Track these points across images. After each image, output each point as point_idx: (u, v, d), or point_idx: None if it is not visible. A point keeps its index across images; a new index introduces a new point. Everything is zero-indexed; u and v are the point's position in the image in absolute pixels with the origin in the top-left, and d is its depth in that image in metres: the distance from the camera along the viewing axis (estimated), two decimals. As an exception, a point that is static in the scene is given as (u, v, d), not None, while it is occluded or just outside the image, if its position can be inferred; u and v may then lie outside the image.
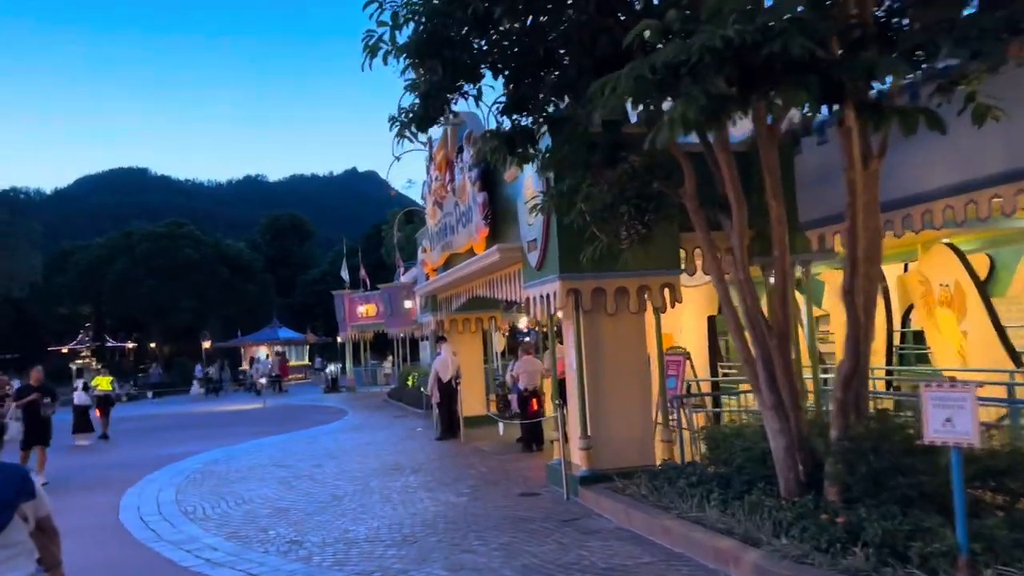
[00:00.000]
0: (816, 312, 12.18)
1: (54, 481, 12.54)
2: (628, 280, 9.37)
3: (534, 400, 12.92)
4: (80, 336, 64.73)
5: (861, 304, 6.43)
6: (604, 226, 8.34)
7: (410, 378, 26.43)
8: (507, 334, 27.84)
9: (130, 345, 68.78)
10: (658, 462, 9.41)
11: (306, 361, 53.92)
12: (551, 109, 7.70)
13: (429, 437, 15.87)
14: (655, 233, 8.55)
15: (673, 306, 9.71)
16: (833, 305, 15.88)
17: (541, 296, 9.81)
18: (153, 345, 64.71)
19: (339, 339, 46.58)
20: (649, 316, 9.72)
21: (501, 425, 12.81)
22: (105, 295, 57.14)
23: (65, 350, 62.20)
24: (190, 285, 56.00)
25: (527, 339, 18.65)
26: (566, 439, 9.90)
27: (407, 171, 71.68)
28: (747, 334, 7.16)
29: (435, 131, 15.19)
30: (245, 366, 49.20)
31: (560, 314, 9.98)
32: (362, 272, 36.10)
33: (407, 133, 7.22)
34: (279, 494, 10.74)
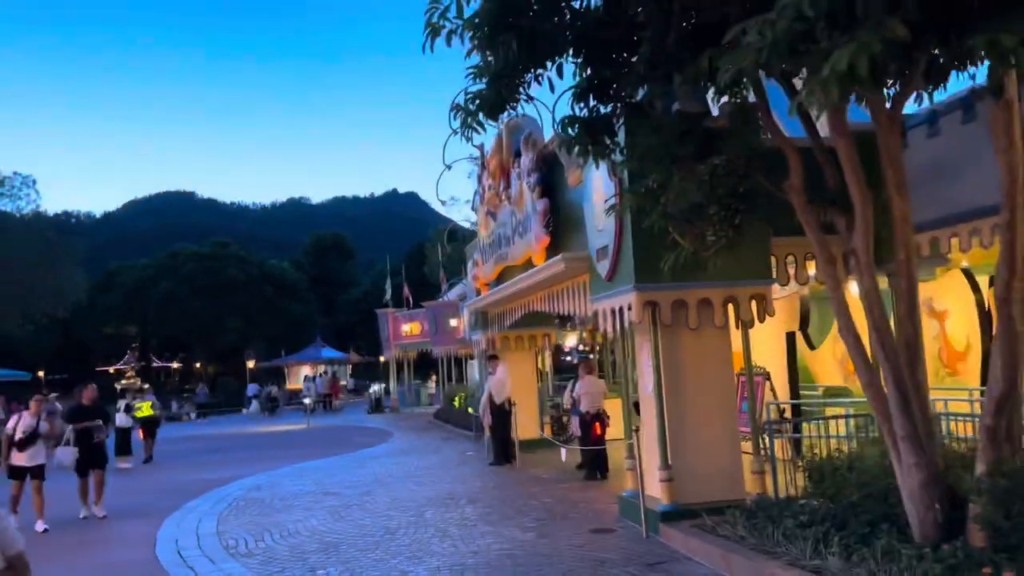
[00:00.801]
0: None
1: (60, 495, 11.86)
2: (713, 291, 8.39)
3: (597, 424, 11.94)
4: (127, 356, 65.21)
5: (1019, 314, 5.38)
6: (689, 229, 7.41)
7: (456, 399, 25.56)
8: (554, 353, 26.89)
9: (175, 365, 69.14)
10: (748, 496, 8.40)
11: (343, 382, 53.39)
12: (631, 96, 6.78)
13: (482, 462, 14.95)
14: (744, 237, 7.64)
15: (763, 319, 8.70)
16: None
17: (612, 310, 8.87)
18: (198, 365, 64.89)
19: (382, 359, 46.10)
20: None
21: (564, 451, 11.86)
22: (150, 315, 57.36)
23: (112, 371, 62.65)
24: (234, 305, 55.97)
25: (590, 356, 17.69)
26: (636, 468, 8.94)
27: (449, 188, 71.25)
28: (871, 352, 6.16)
29: (487, 137, 14.44)
30: (295, 385, 48.78)
31: (632, 329, 9.04)
32: (405, 290, 35.43)
33: (473, 123, 6.33)
34: (327, 526, 9.88)
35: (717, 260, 7.59)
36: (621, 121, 7.08)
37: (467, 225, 41.96)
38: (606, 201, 8.73)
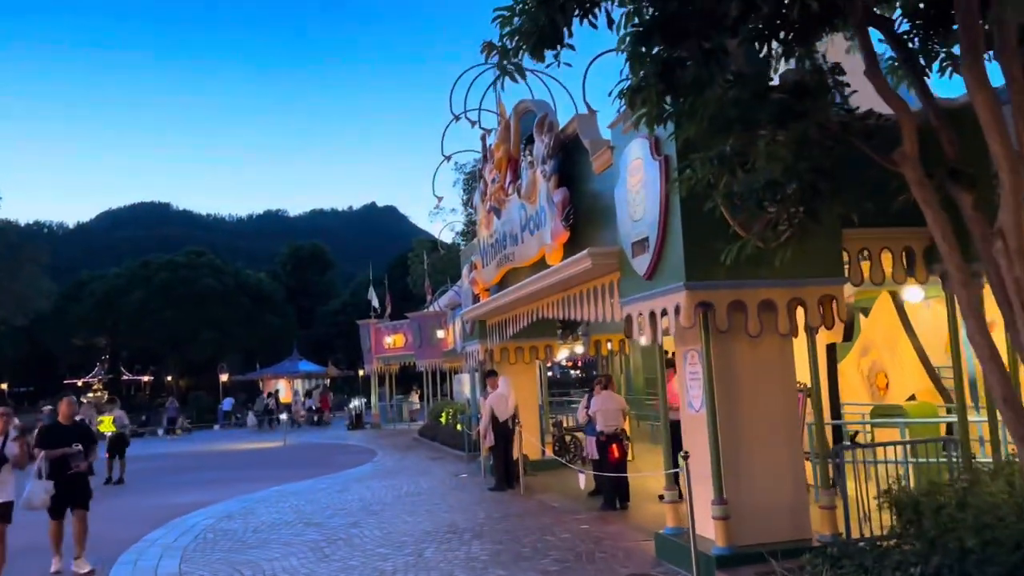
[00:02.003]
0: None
1: (33, 542, 9.54)
2: (777, 291, 7.05)
3: (615, 446, 10.53)
4: (96, 369, 62.89)
5: None
6: (759, 213, 6.09)
7: (444, 415, 24.05)
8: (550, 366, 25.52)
9: (146, 378, 66.86)
10: (816, 536, 7.06)
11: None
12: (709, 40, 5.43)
13: (478, 485, 13.50)
14: (820, 225, 6.35)
15: (831, 326, 7.38)
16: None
17: (652, 313, 7.51)
18: (169, 378, 62.69)
19: (361, 372, 44.40)
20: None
21: (582, 478, 10.46)
22: (121, 326, 55.23)
23: (80, 383, 60.31)
24: (209, 316, 54.00)
25: (589, 371, 16.27)
26: (670, 500, 7.57)
27: (438, 189, 69.04)
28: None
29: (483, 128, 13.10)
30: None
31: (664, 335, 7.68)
32: (387, 300, 33.92)
33: (510, 67, 4.96)
34: (310, 567, 8.39)
35: (784, 254, 6.29)
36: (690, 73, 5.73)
37: (451, 235, 40.59)
38: (644, 185, 7.41)
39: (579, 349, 16.36)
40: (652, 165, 7.28)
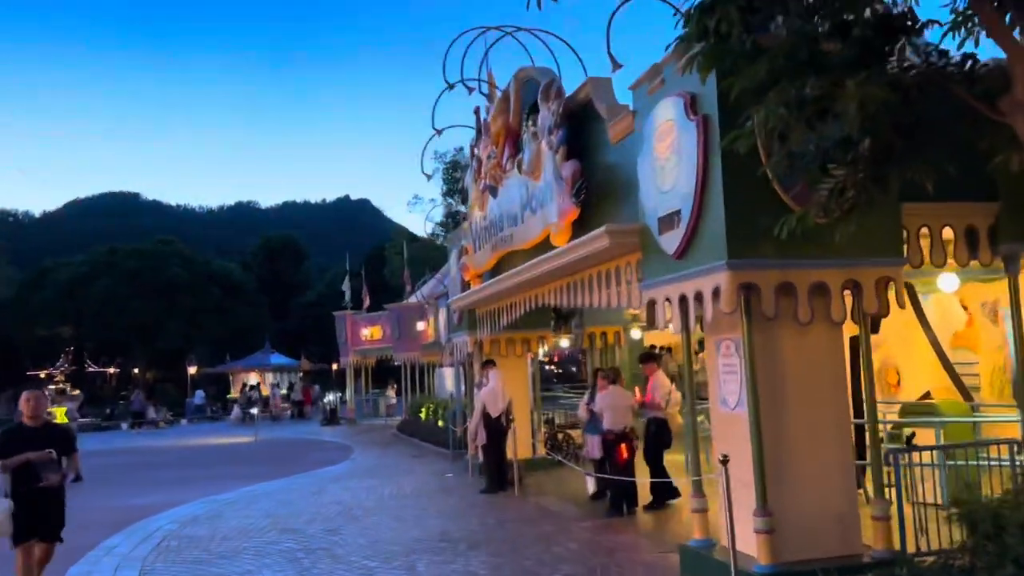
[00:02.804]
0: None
1: None
2: (830, 272, 6.16)
3: (623, 446, 9.62)
4: (60, 360, 60.93)
5: None
6: (817, 180, 5.21)
7: (424, 410, 23.05)
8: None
9: (112, 370, 64.99)
10: (868, 551, 6.20)
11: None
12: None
13: (467, 487, 12.54)
14: (887, 195, 5.53)
15: (887, 313, 6.51)
16: (970, 331, 12.79)
17: (682, 297, 6.59)
18: (136, 370, 60.93)
19: (335, 366, 43.14)
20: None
21: (590, 481, 9.54)
22: (87, 316, 53.50)
23: (43, 375, 58.36)
24: (178, 306, 52.45)
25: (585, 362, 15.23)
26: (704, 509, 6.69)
27: (412, 187, 66.97)
28: None
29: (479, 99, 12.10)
30: (236, 394, 45.75)
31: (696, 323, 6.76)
32: (364, 292, 32.75)
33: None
34: (285, 582, 7.40)
35: (847, 228, 5.42)
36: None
37: (430, 225, 39.56)
38: (673, 149, 6.49)
39: (564, 343, 15.43)
40: (688, 127, 6.35)
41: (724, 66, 5.10)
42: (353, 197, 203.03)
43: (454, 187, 37.61)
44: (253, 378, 46.41)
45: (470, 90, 11.37)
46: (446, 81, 11.57)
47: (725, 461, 6.16)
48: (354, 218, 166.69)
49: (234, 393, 46.68)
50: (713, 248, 6.16)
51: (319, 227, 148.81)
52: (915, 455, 7.39)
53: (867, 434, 6.55)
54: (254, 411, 31.76)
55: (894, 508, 6.28)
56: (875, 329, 8.67)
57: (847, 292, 6.29)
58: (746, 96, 5.21)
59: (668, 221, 6.74)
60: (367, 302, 31.83)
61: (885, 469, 6.67)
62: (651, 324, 7.37)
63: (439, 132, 12.75)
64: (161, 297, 51.43)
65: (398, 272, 37.50)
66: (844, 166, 5.09)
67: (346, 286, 32.21)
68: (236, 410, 38.00)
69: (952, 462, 7.77)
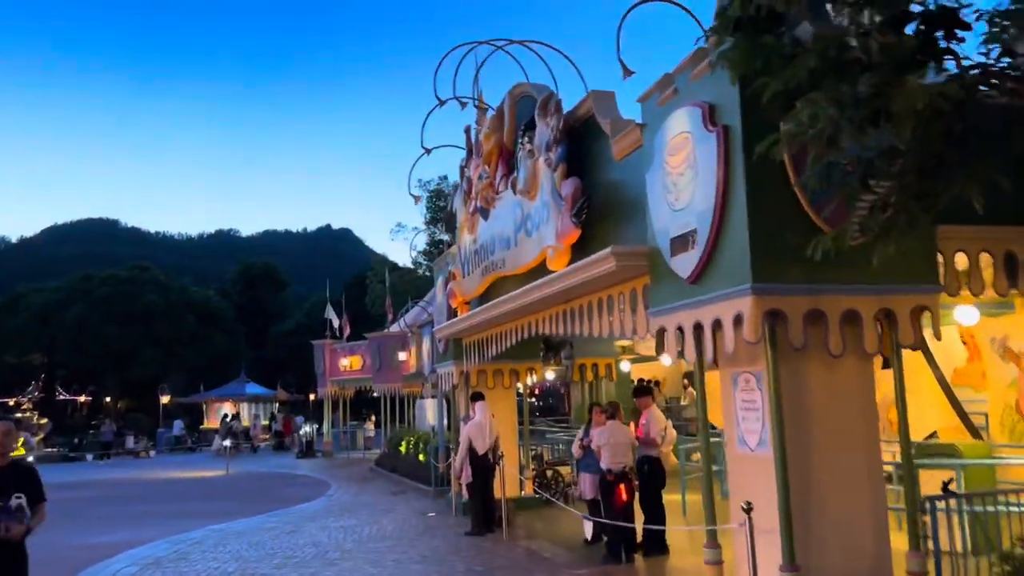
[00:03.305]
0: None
1: None
2: (863, 299, 5.59)
3: (622, 487, 8.95)
4: (31, 387, 59.25)
5: None
6: (856, 195, 4.65)
7: (404, 443, 22.23)
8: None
9: (83, 399, 63.37)
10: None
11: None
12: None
13: (451, 528, 11.79)
14: (928, 215, 4.96)
15: (918, 346, 5.94)
16: (972, 367, 12.33)
17: (697, 324, 5.99)
18: (108, 399, 59.42)
19: (312, 397, 42.12)
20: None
21: (588, 525, 8.84)
22: (60, 342, 52.15)
23: (12, 403, 56.68)
24: (153, 333, 51.21)
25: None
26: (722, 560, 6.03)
27: (395, 217, 66.60)
28: None
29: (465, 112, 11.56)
30: (213, 423, 44.58)
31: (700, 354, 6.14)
32: (344, 320, 31.97)
33: None
34: (251, 639, 6.64)
35: (886, 249, 4.85)
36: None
37: (413, 254, 38.92)
38: (686, 163, 5.93)
39: (549, 375, 14.78)
40: (706, 138, 5.79)
41: (755, 66, 4.55)
42: (335, 226, 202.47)
43: (437, 215, 37.06)
44: (228, 408, 45.31)
45: (463, 105, 10.83)
46: (437, 98, 11.03)
47: (749, 509, 5.52)
48: (335, 247, 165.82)
49: (208, 423, 45.55)
50: (734, 271, 5.57)
51: (299, 256, 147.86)
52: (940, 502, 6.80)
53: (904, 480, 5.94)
54: (226, 443, 30.65)
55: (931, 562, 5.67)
56: (884, 365, 8.10)
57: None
58: (779, 101, 4.69)
59: (682, 242, 6.15)
60: (347, 331, 31.06)
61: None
62: (660, 354, 6.76)
63: (428, 151, 12.19)
64: (136, 324, 50.25)
65: (379, 301, 36.79)
66: (889, 179, 4.55)
67: (330, 313, 31.36)
68: (217, 441, 37.05)
69: (979, 508, 7.19)
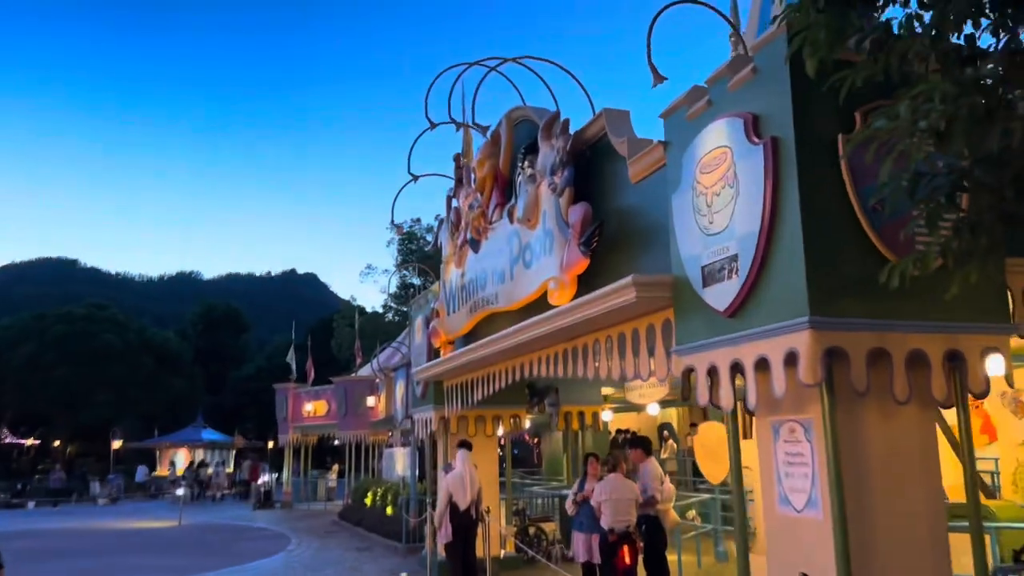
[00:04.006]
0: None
1: None
2: (931, 337, 4.89)
3: (625, 548, 8.08)
4: (-26, 430, 56.59)
5: None
6: (940, 213, 3.98)
7: (369, 495, 21.05)
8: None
9: (29, 442, 60.66)
10: None
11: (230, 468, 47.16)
12: None
13: (426, 590, 10.76)
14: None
15: (986, 393, 5.23)
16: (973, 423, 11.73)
17: (735, 364, 5.23)
18: (57, 443, 56.89)
19: (271, 444, 40.51)
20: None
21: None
22: (8, 383, 49.89)
23: (-49, 446, 53.96)
24: (108, 375, 49.18)
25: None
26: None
27: (362, 262, 65.62)
28: None
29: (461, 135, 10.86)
30: (165, 471, 42.64)
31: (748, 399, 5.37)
32: (308, 364, 30.77)
33: None
34: None
35: (970, 277, 4.16)
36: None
37: (384, 297, 37.99)
38: (724, 178, 5.24)
39: (527, 423, 13.90)
40: (750, 152, 5.10)
41: (837, 52, 3.88)
42: (300, 271, 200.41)
43: (409, 258, 36.27)
44: (181, 455, 43.48)
45: (458, 127, 10.11)
46: (428, 119, 10.31)
47: (803, 580, 4.70)
48: (299, 293, 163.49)
49: (161, 470, 43.61)
50: (786, 302, 4.84)
51: (262, 300, 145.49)
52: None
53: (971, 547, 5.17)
54: (180, 492, 29.05)
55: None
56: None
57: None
58: (858, 98, 4.04)
59: (717, 270, 5.42)
60: (312, 375, 29.86)
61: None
62: (686, 398, 5.98)
63: (416, 178, 11.42)
64: (89, 365, 48.31)
65: (346, 344, 35.67)
66: (987, 191, 3.89)
67: (291, 357, 30.14)
68: (183, 488, 35.51)
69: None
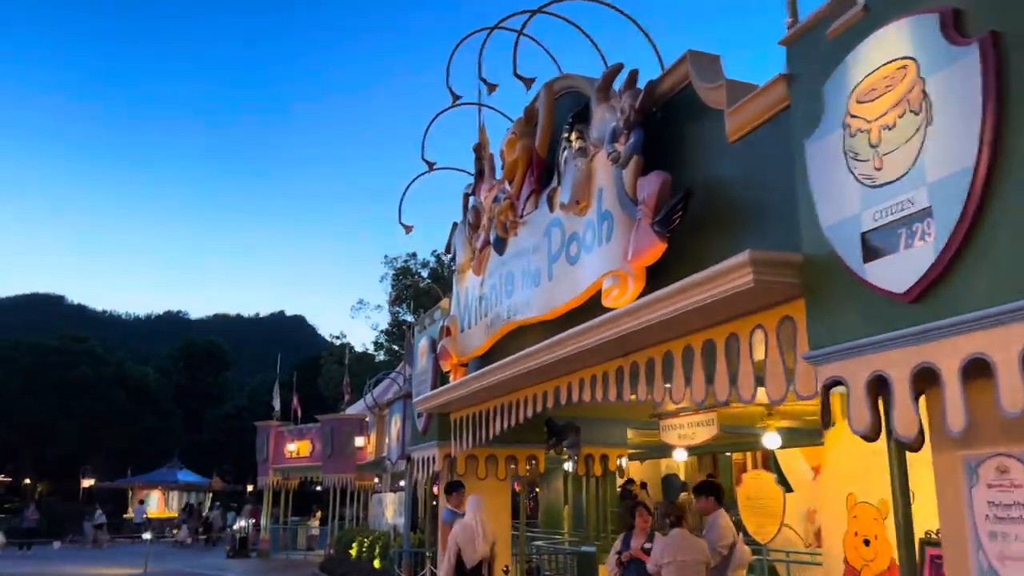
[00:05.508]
0: None
1: None
2: None
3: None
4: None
5: None
6: None
7: (355, 545, 19.02)
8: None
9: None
10: None
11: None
12: None
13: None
14: None
15: None
16: None
17: (920, 372, 3.53)
18: (27, 481, 54.18)
19: (251, 487, 38.23)
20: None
21: None
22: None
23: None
24: (80, 410, 46.87)
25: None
26: None
27: (351, 304, 63.39)
28: None
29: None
30: (131, 512, 40.24)
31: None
32: (294, 401, 28.83)
33: None
34: None
35: None
36: None
37: (373, 334, 36.21)
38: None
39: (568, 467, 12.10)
40: (952, 59, 3.48)
41: None
42: (288, 313, 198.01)
43: (404, 293, 34.58)
44: (155, 496, 41.16)
45: (490, 89, 8.47)
46: (450, 90, 8.69)
47: None
48: (286, 335, 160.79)
49: (132, 512, 41.23)
50: (1020, 274, 3.18)
51: (250, 341, 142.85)
52: None
53: None
54: (147, 535, 26.81)
55: None
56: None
57: None
58: None
59: (890, 235, 3.76)
60: (298, 412, 27.88)
61: None
62: (827, 425, 4.25)
63: (431, 166, 9.79)
64: (61, 399, 46.00)
65: (333, 383, 33.75)
66: None
67: (275, 393, 28.19)
68: (184, 530, 33.81)
69: None
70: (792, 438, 11.88)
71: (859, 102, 4.00)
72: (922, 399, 3.65)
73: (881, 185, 3.82)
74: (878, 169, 3.85)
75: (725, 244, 5.07)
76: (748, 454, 18.81)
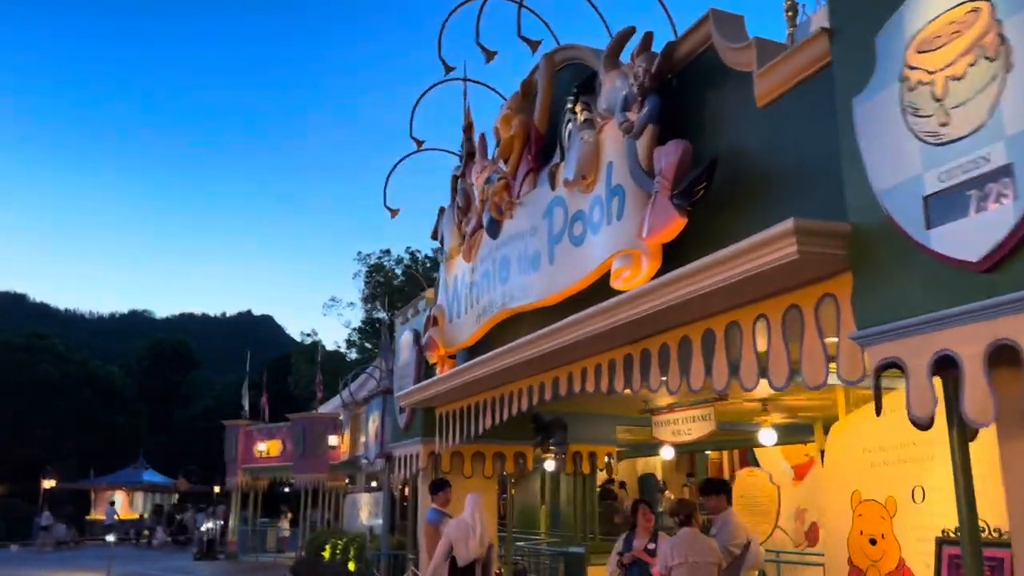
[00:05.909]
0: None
1: None
2: None
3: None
4: None
5: None
6: None
7: (328, 547, 18.44)
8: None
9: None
10: None
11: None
12: None
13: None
14: None
15: None
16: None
17: (995, 350, 3.14)
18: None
19: (218, 488, 37.33)
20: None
21: None
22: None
23: None
24: (44, 409, 45.55)
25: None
26: None
27: (319, 306, 62.15)
28: None
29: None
30: (98, 514, 39.18)
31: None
32: (263, 399, 28.09)
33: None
34: None
35: None
36: None
37: (346, 332, 35.56)
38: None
39: (550, 465, 11.65)
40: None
41: None
42: (256, 312, 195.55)
43: (377, 290, 33.96)
44: (119, 497, 40.08)
45: (489, 56, 7.96)
46: (443, 61, 8.20)
47: None
48: (253, 335, 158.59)
49: (95, 514, 40.14)
50: None
51: (216, 341, 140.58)
52: None
53: None
54: (110, 537, 25.95)
55: None
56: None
57: None
58: None
59: (958, 197, 3.37)
60: (267, 411, 27.16)
61: None
62: (879, 412, 3.84)
63: (420, 144, 9.29)
64: (23, 399, 44.65)
65: (304, 382, 33.05)
66: None
67: (244, 392, 27.46)
68: (160, 533, 33.26)
69: None
70: (785, 435, 11.57)
71: (920, 52, 3.61)
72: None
73: (948, 142, 3.43)
74: (944, 125, 3.45)
75: (752, 217, 4.65)
76: (726, 453, 18.52)
